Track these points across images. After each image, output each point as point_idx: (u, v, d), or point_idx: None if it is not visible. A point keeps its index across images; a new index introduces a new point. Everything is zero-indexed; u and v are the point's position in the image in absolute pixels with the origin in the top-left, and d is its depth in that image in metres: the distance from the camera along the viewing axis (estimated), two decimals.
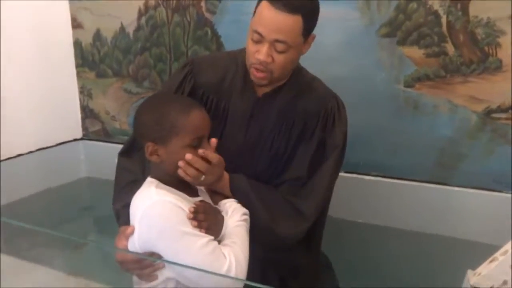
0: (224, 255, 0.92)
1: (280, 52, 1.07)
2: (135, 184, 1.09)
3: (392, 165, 1.67)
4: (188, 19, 1.90)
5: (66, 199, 2.07)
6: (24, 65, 2.01)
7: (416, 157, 1.64)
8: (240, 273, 0.92)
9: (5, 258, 1.08)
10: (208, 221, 0.96)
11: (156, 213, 0.94)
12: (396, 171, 1.67)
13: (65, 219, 1.88)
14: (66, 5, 2.12)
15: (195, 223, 0.93)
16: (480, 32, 1.47)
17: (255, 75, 1.10)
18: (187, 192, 1.02)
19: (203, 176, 1.00)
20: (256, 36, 1.06)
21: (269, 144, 1.18)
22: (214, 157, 1.01)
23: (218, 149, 1.06)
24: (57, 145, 2.16)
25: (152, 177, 1.03)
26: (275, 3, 1.03)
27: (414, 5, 1.53)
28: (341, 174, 1.71)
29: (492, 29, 1.45)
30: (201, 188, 1.08)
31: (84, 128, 2.27)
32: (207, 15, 1.87)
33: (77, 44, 2.18)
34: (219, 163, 1.03)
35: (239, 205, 1.06)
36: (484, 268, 0.90)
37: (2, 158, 1.93)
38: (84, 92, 2.23)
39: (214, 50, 1.88)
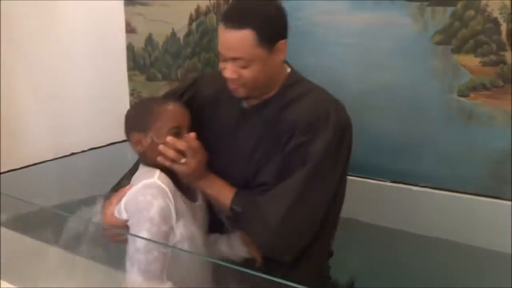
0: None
1: (243, 68, 1.06)
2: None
3: (442, 176, 1.62)
4: None
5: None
6: (80, 67, 2.10)
7: (468, 169, 1.58)
8: None
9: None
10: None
11: (148, 193, 1.00)
12: (447, 182, 1.61)
13: None
14: (121, 10, 2.21)
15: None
16: None
17: (232, 88, 1.12)
18: (184, 192, 1.08)
19: (183, 159, 1.05)
20: (220, 56, 1.10)
21: (256, 156, 1.14)
22: (194, 142, 1.07)
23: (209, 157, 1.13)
24: (108, 145, 2.24)
25: None
26: (222, 22, 1.05)
27: (471, 12, 1.48)
28: (387, 183, 1.71)
29: None
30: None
31: None
32: None
33: (129, 48, 2.26)
34: (200, 149, 1.08)
35: None
36: None
37: (56, 157, 2.02)
38: (135, 94, 2.30)
39: None
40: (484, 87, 1.51)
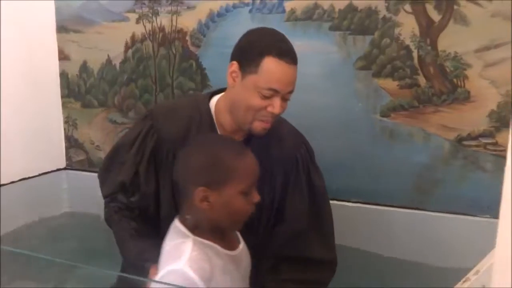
0: None
1: (287, 100, 1.11)
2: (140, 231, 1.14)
3: (371, 192, 1.72)
4: (174, 52, 1.97)
5: (47, 231, 2.05)
6: (9, 95, 2.03)
7: (394, 183, 1.70)
8: None
9: None
10: None
11: (172, 281, 0.87)
12: (376, 197, 1.72)
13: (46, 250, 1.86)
14: (53, 38, 2.18)
15: None
16: (448, 65, 1.57)
17: (264, 127, 1.11)
18: (223, 244, 0.97)
19: None
20: (268, 93, 1.07)
21: None
22: None
23: None
24: (40, 175, 2.16)
25: (187, 224, 0.95)
26: (285, 58, 1.07)
27: (387, 40, 1.63)
28: None
29: (459, 62, 1.55)
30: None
31: (68, 158, 2.27)
32: (192, 48, 1.94)
33: (63, 75, 2.22)
34: None
35: None
36: None
37: None
38: (69, 122, 2.25)
39: (199, 81, 1.95)
40: (402, 107, 1.65)
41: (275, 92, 1.07)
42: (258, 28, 1.19)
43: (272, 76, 1.07)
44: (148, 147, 1.19)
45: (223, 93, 1.21)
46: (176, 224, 0.98)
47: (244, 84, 1.09)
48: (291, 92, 1.11)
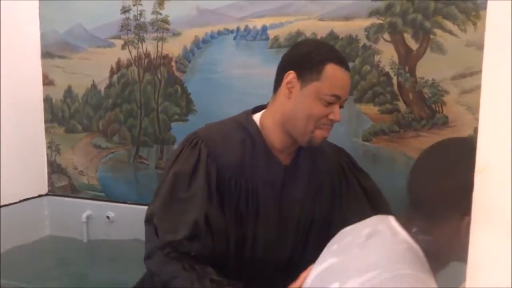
0: None
1: (341, 108, 1.12)
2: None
3: None
4: (159, 77, 1.99)
5: (25, 259, 2.00)
6: None
7: None
8: None
9: None
10: None
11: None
12: None
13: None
14: (38, 63, 2.18)
15: None
16: (427, 91, 1.62)
17: (324, 135, 1.11)
18: None
19: None
20: (331, 99, 1.07)
21: (305, 211, 1.17)
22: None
23: (257, 231, 1.11)
24: (21, 201, 2.12)
25: None
26: (343, 65, 1.10)
27: (367, 67, 1.68)
28: None
29: (437, 89, 1.60)
30: None
31: (50, 183, 2.24)
32: (177, 73, 1.97)
33: (47, 100, 2.22)
34: None
35: None
36: None
37: None
38: (52, 147, 2.23)
39: (184, 106, 1.96)
40: (383, 132, 1.69)
41: (337, 98, 1.08)
42: (308, 40, 1.30)
43: (336, 81, 1.08)
44: (213, 177, 1.09)
45: (264, 111, 1.18)
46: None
47: (305, 92, 1.08)
48: (346, 99, 1.12)
